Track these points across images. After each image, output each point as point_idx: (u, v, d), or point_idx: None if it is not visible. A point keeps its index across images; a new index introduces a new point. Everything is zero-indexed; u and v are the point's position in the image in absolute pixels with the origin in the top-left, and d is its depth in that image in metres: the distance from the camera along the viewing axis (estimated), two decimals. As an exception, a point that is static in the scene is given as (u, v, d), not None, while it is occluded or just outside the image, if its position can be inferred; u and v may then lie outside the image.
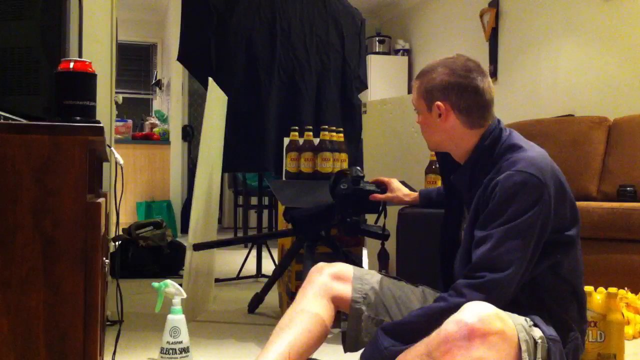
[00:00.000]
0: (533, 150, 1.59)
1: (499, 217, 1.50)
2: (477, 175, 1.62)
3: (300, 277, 2.58)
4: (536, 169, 1.51)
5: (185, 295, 2.17)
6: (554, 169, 1.57)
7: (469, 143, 1.66)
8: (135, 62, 8.44)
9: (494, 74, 5.62)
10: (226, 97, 3.34)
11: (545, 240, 1.52)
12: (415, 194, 2.15)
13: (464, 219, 1.74)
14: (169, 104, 7.37)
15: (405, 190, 2.17)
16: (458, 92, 1.63)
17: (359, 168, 2.25)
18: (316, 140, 2.97)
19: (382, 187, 2.20)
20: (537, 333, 1.46)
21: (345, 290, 1.74)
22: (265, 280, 3.31)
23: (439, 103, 1.65)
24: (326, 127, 3.00)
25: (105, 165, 2.45)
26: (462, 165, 1.69)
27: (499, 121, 1.67)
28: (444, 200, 1.86)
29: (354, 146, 4.12)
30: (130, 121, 6.95)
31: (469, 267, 1.52)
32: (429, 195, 2.12)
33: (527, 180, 1.50)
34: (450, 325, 1.37)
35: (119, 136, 6.38)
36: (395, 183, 2.19)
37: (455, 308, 1.41)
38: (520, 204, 1.48)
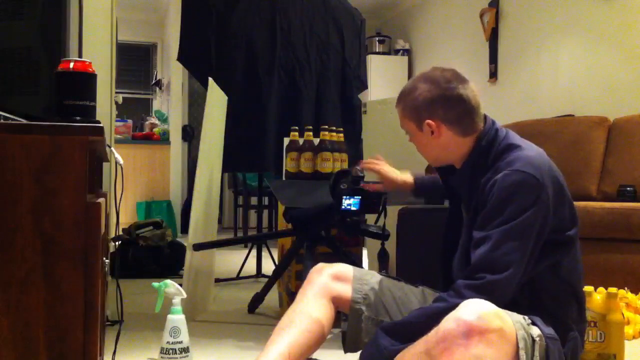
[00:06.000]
0: (530, 150, 1.58)
1: (497, 217, 1.50)
2: (476, 177, 1.62)
3: (300, 277, 2.58)
4: (533, 168, 1.51)
5: (185, 295, 2.16)
6: (551, 168, 1.57)
7: (466, 148, 1.66)
8: (135, 62, 8.43)
9: (494, 74, 5.62)
10: (226, 97, 3.34)
11: (544, 241, 1.52)
12: (410, 178, 2.05)
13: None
14: (169, 104, 7.36)
15: (397, 172, 2.06)
16: (444, 104, 1.62)
17: (359, 168, 2.25)
18: (316, 140, 2.97)
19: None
20: (535, 331, 1.46)
21: (345, 290, 1.74)
22: (265, 280, 3.31)
23: (428, 121, 1.63)
24: (326, 127, 3.00)
25: (105, 165, 2.45)
26: (461, 168, 1.69)
27: (493, 122, 1.67)
28: (448, 200, 1.85)
29: (354, 146, 4.11)
30: (130, 121, 6.95)
31: (469, 268, 1.52)
32: (424, 184, 2.04)
33: (524, 179, 1.49)
34: (449, 323, 1.38)
35: (119, 136, 6.38)
36: (385, 168, 2.08)
37: (454, 308, 1.41)
38: (519, 203, 1.48)
